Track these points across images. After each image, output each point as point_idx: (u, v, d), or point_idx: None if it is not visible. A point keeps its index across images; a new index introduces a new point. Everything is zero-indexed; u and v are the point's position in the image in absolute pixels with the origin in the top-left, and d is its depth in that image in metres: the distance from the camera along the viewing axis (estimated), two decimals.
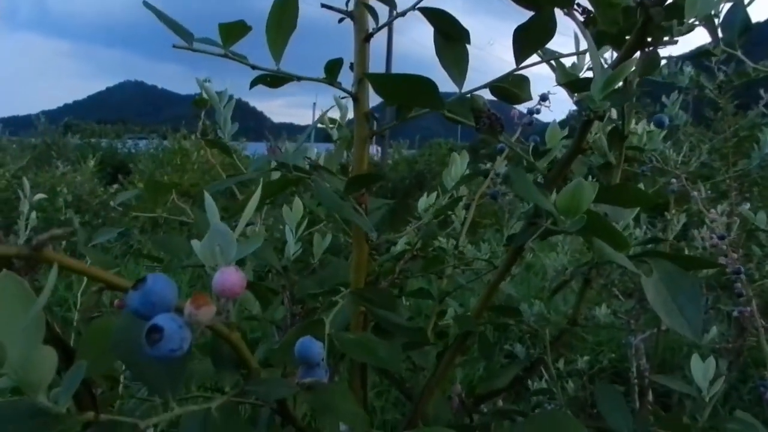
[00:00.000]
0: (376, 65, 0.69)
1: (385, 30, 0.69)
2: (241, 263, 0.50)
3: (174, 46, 0.54)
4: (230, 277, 0.35)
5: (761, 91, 2.38)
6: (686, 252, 2.09)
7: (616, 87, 0.46)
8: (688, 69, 2.23)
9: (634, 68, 0.53)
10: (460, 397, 0.71)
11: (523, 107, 1.08)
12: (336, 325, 0.54)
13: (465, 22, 0.64)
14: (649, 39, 0.46)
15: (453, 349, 0.60)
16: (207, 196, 0.41)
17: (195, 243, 0.47)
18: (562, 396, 1.11)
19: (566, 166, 0.54)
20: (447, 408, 0.65)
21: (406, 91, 0.54)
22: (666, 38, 0.46)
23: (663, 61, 0.72)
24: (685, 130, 2.35)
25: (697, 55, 0.57)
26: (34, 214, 1.04)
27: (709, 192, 2.36)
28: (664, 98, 1.80)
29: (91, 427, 0.31)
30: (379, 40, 0.69)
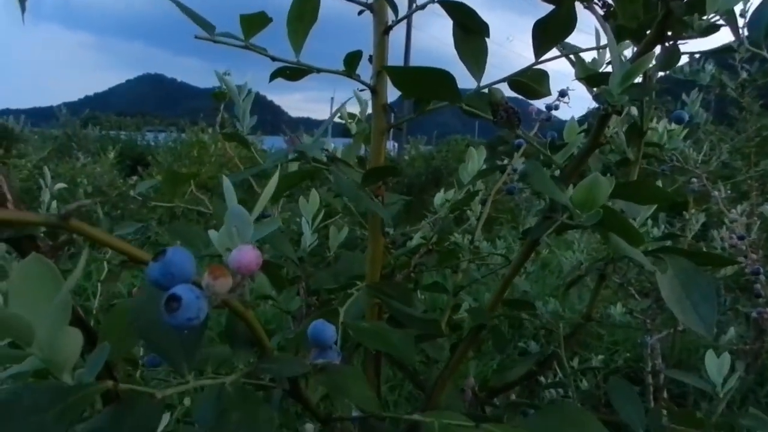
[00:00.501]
0: (394, 61, 0.69)
1: (403, 25, 0.69)
2: None
3: (196, 37, 0.54)
4: (247, 254, 0.35)
5: None
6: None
7: (635, 81, 0.45)
8: (710, 67, 2.20)
9: (654, 63, 0.53)
10: (473, 390, 0.71)
11: (541, 103, 1.08)
12: (351, 316, 0.55)
13: (484, 17, 0.64)
14: (670, 33, 0.46)
15: (467, 341, 0.60)
16: (225, 180, 0.42)
17: (212, 233, 0.48)
18: (576, 393, 1.11)
19: (583, 160, 0.54)
20: (460, 400, 0.65)
21: (425, 84, 0.55)
22: (686, 33, 0.46)
23: (684, 58, 0.71)
24: (706, 128, 2.32)
25: (720, 52, 0.57)
26: (54, 204, 1.06)
27: (729, 192, 2.33)
28: (684, 96, 1.78)
29: (111, 403, 0.32)
30: (397, 36, 0.69)
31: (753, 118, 2.64)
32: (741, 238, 1.18)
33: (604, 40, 0.68)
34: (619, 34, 0.52)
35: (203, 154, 6.29)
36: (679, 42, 0.51)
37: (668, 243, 0.57)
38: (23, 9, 0.34)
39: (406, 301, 0.56)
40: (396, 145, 11.96)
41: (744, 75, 2.34)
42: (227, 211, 0.39)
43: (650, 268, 0.46)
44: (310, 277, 0.74)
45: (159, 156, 7.06)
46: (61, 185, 1.11)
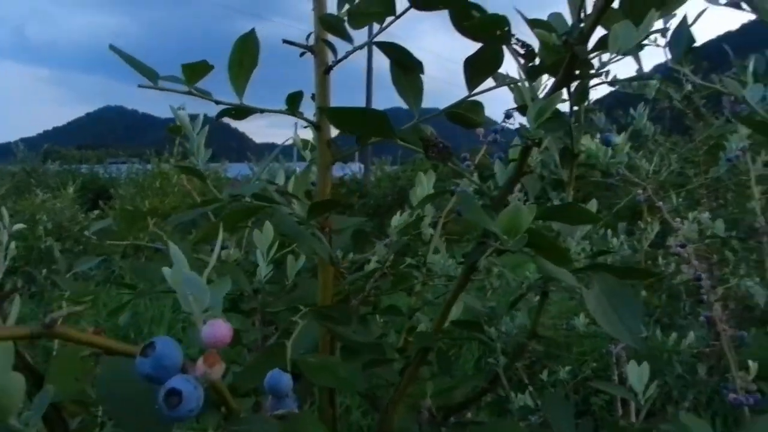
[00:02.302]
0: (357, 78, 0.72)
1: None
2: None
3: (139, 86, 0.57)
4: (220, 330, 0.37)
5: (724, 101, 2.45)
6: (660, 259, 2.15)
7: (551, 116, 0.49)
8: (654, 82, 2.30)
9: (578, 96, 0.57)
10: (429, 411, 0.73)
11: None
12: (303, 347, 0.57)
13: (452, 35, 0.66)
14: (577, 72, 0.50)
15: (414, 364, 0.63)
16: (173, 246, 0.43)
17: (166, 271, 0.49)
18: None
19: (510, 188, 0.58)
20: (413, 421, 0.67)
21: (361, 124, 0.58)
22: (593, 71, 0.50)
23: (632, 72, 0.76)
24: (655, 139, 2.41)
25: (633, 80, 0.62)
26: (13, 244, 1.06)
27: (681, 200, 2.43)
28: (632, 110, 1.87)
29: None
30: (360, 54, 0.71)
31: (700, 127, 2.76)
32: (682, 246, 1.24)
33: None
34: (539, 71, 0.56)
35: (166, 185, 6.23)
36: (615, 59, 0.56)
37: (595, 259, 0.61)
38: None
39: (348, 323, 0.58)
40: (362, 166, 12.04)
41: (689, 87, 2.46)
42: (182, 279, 0.41)
43: (576, 286, 0.50)
44: (267, 307, 0.76)
45: (121, 189, 6.96)
46: (20, 225, 1.10)
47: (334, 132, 0.72)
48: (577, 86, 0.53)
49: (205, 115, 1.06)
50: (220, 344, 0.37)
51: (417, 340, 0.62)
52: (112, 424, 0.67)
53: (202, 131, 1.06)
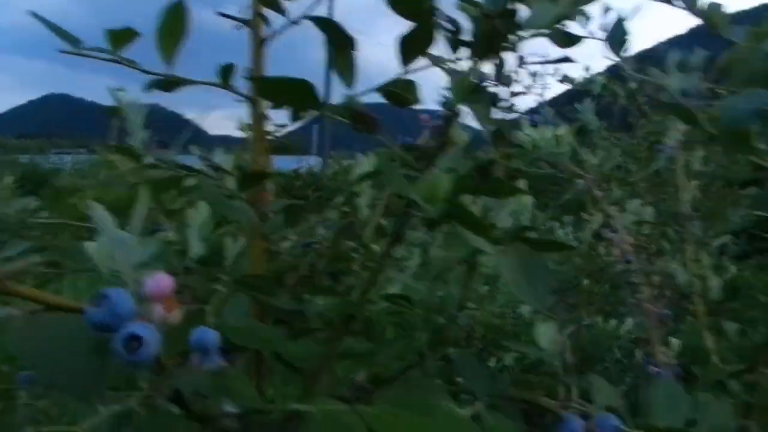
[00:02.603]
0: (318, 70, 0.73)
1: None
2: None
3: (61, 52, 0.56)
4: (163, 281, 0.37)
5: (647, 89, 2.56)
6: (602, 249, 2.24)
7: (472, 89, 0.51)
8: (600, 78, 2.37)
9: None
10: (359, 383, 0.74)
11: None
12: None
13: None
14: (494, 47, 0.52)
15: (337, 332, 0.64)
16: (94, 205, 0.42)
17: (89, 245, 0.48)
18: None
19: (433, 159, 0.60)
20: (339, 389, 0.68)
21: (286, 93, 0.58)
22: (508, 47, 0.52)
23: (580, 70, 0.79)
24: (601, 135, 2.49)
25: (557, 62, 0.65)
26: None
27: (623, 192, 2.52)
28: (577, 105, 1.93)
29: None
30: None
31: (642, 123, 2.86)
32: (614, 231, 1.29)
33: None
34: (464, 45, 0.58)
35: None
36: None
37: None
38: None
39: (274, 293, 0.58)
40: (320, 160, 12.00)
41: (633, 85, 2.54)
42: (108, 237, 0.40)
43: (491, 253, 0.52)
44: (196, 285, 0.75)
45: (63, 180, 6.73)
46: None
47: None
48: (498, 61, 0.55)
49: (157, 106, 1.04)
50: (164, 295, 0.37)
51: (342, 309, 0.63)
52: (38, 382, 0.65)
53: (139, 111, 1.04)
